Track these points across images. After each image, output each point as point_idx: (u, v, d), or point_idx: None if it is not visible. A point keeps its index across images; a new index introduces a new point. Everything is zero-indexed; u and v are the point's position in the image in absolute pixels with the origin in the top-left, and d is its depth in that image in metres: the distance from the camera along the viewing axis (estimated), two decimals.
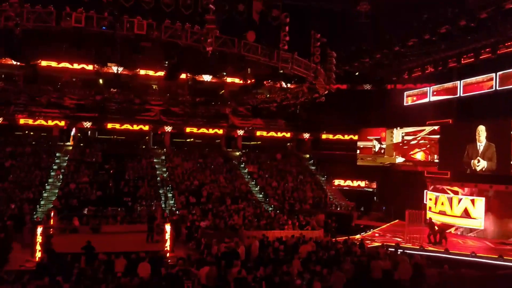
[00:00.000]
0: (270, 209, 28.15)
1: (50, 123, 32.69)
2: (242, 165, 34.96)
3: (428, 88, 29.54)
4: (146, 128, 35.14)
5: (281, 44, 16.31)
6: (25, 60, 18.06)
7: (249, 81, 24.21)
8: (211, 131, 36.76)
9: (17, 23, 13.53)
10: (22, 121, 32.01)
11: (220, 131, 36.96)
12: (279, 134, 38.30)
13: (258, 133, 37.69)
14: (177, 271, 13.08)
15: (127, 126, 34.47)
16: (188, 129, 36.09)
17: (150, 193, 27.91)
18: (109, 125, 34.07)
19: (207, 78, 35.40)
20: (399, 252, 16.67)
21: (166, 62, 18.57)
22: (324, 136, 38.13)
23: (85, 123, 33.47)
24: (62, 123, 32.97)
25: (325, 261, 14.89)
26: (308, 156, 38.35)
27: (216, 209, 25.98)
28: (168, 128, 35.44)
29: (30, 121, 32.21)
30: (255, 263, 15.18)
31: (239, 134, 37.32)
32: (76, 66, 32.76)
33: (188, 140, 38.27)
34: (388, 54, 24.88)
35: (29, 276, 12.42)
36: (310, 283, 12.33)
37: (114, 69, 31.94)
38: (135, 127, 34.80)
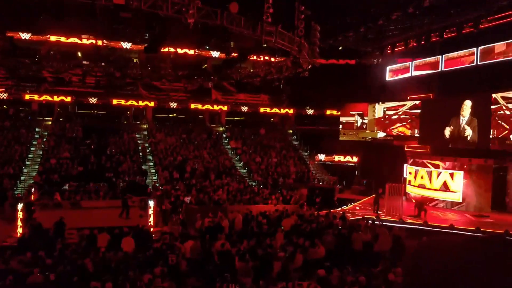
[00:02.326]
0: (254, 184, 28.31)
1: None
2: (226, 141, 34.90)
3: (410, 62, 29.66)
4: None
5: (264, 16, 16.04)
6: (1, 33, 17.39)
7: (232, 55, 23.87)
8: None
9: None
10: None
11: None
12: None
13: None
14: (161, 245, 13.15)
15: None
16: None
17: (133, 168, 27.73)
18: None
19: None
20: (377, 224, 17.03)
21: (147, 34, 18.11)
22: (307, 111, 38.16)
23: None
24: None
25: (308, 233, 15.12)
26: (291, 131, 38.45)
27: (200, 184, 26.00)
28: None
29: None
30: (238, 236, 15.35)
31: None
32: (53, 38, 31.80)
33: (171, 115, 37.85)
34: (372, 28, 24.76)
35: (11, 252, 12.33)
36: (292, 255, 12.55)
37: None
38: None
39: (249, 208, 19.51)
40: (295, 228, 16.18)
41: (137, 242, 13.58)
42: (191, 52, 34.97)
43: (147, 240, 14.72)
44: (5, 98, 30.90)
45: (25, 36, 30.34)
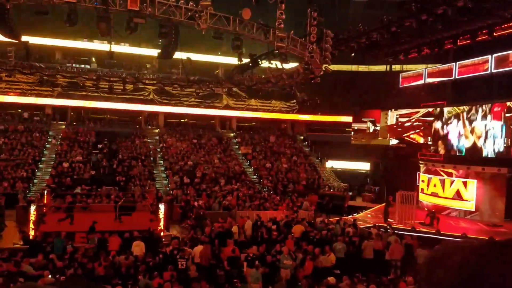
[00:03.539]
0: (264, 190, 28.23)
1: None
2: (236, 146, 34.92)
3: (424, 70, 29.44)
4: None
5: (277, 23, 16.04)
6: (16, 37, 17.62)
7: (244, 61, 23.91)
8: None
9: None
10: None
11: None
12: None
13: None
14: (171, 250, 13.15)
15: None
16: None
17: (144, 173, 27.88)
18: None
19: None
20: (389, 232, 16.84)
21: (160, 40, 18.24)
22: (318, 118, 38.07)
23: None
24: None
25: (318, 241, 15.02)
26: (302, 137, 38.36)
27: (210, 189, 26.01)
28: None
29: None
30: (248, 242, 15.30)
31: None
32: (68, 43, 32.30)
33: (182, 120, 38.06)
34: (385, 35, 24.61)
35: (22, 254, 12.43)
36: (302, 262, 12.47)
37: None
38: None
39: (258, 214, 19.44)
40: (305, 235, 16.08)
41: (147, 246, 13.61)
42: (203, 57, 35.19)
43: (157, 244, 14.75)
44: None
45: (40, 40, 30.80)
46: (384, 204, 23.80)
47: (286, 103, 38.39)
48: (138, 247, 13.39)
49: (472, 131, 24.89)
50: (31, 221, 16.80)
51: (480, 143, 24.39)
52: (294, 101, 38.19)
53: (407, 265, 13.25)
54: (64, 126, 32.68)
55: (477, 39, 23.79)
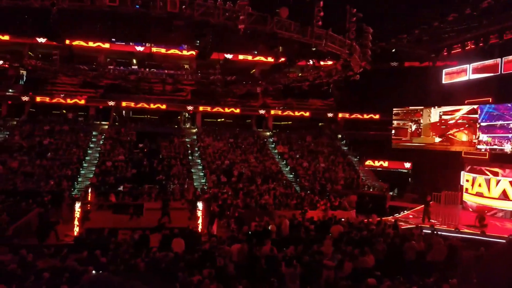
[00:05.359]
0: (301, 189, 28.03)
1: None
2: (273, 145, 34.85)
3: (468, 65, 28.33)
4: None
5: (314, 20, 15.83)
6: (60, 40, 18.30)
7: (280, 60, 23.81)
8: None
9: (53, 2, 13.68)
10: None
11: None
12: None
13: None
14: (210, 247, 13.28)
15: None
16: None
17: (183, 172, 28.32)
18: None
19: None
20: (432, 233, 16.31)
21: (198, 41, 18.40)
22: (357, 116, 37.41)
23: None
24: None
25: (357, 241, 14.74)
26: (340, 136, 37.81)
27: (247, 188, 26.10)
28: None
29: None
30: (286, 242, 15.22)
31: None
32: (110, 46, 33.37)
33: (219, 119, 38.42)
34: (427, 30, 23.86)
35: (67, 250, 12.88)
36: (341, 263, 12.27)
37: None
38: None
39: (294, 214, 19.30)
40: (344, 235, 15.84)
41: (186, 243, 13.81)
42: (240, 57, 35.40)
43: (195, 241, 14.93)
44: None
45: (83, 43, 31.99)
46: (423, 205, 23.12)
47: (324, 101, 37.96)
48: (178, 244, 13.62)
49: None
50: (76, 218, 17.42)
51: None
52: (332, 99, 37.70)
53: (451, 267, 12.77)
54: (107, 127, 33.68)
55: None
